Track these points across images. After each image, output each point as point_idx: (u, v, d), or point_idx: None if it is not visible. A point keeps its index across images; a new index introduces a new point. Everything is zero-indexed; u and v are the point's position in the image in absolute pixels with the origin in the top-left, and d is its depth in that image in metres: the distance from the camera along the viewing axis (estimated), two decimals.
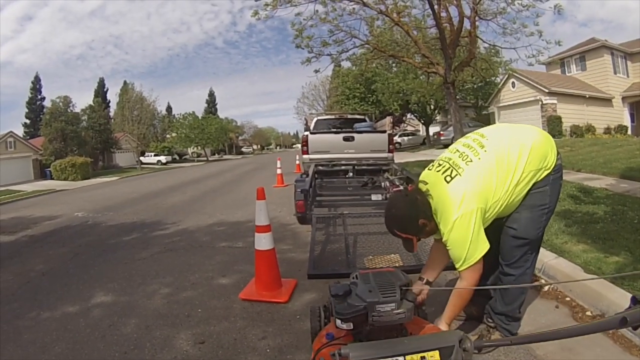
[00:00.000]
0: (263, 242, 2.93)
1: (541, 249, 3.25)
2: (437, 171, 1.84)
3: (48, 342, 2.55)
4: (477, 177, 1.75)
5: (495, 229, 2.07)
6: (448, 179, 1.77)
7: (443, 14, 7.12)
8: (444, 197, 1.74)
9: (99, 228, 6.54)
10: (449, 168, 1.81)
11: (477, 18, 7.42)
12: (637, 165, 8.39)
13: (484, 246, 1.73)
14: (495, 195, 1.78)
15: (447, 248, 1.77)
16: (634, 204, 4.82)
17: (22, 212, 10.06)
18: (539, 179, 1.85)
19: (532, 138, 1.86)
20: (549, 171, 1.86)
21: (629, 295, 2.44)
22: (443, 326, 1.75)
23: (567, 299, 2.70)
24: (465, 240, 1.69)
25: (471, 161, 1.79)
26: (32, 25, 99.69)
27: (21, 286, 3.79)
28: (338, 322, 1.02)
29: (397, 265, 3.21)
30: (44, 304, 3.22)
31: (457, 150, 1.89)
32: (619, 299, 2.41)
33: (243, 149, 64.08)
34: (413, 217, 1.74)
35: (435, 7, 6.75)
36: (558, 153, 1.93)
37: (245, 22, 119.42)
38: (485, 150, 1.81)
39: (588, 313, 2.53)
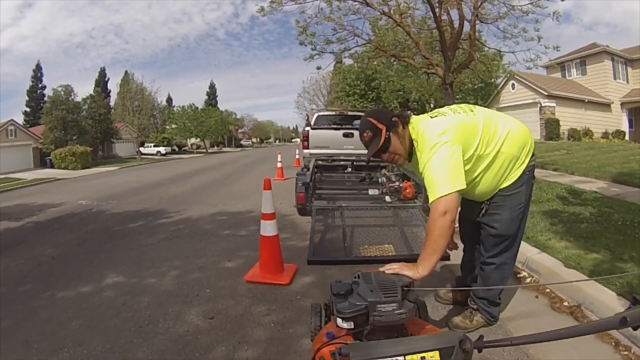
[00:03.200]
0: (268, 228, 3.18)
1: (526, 245, 3.50)
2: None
3: (64, 319, 2.71)
4: (461, 124, 1.84)
5: (474, 226, 2.28)
6: (432, 116, 1.90)
7: (444, 17, 7.29)
8: (426, 126, 1.81)
9: (103, 216, 6.70)
10: (435, 113, 1.94)
11: (477, 21, 7.59)
12: (630, 170, 8.55)
13: (461, 181, 1.67)
14: (475, 152, 1.85)
15: (423, 176, 1.76)
16: (620, 206, 4.99)
17: (25, 199, 10.13)
18: (516, 177, 2.01)
19: (517, 124, 2.03)
20: (524, 167, 2.02)
21: (604, 289, 2.65)
22: (418, 270, 1.48)
23: (547, 290, 2.90)
24: (443, 165, 1.66)
25: (459, 113, 1.91)
26: (32, 12, 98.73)
27: (32, 269, 3.94)
28: (339, 321, 1.03)
29: (389, 254, 3.45)
30: (57, 286, 3.37)
31: (447, 107, 2.04)
32: (596, 292, 2.61)
33: (242, 142, 64.18)
34: (388, 111, 1.90)
35: (437, 9, 6.93)
36: (534, 155, 2.10)
37: (247, 14, 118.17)
38: (473, 113, 1.94)
39: (565, 304, 2.73)
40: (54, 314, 2.82)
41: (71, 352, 2.25)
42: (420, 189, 4.70)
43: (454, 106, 2.02)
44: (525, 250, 3.40)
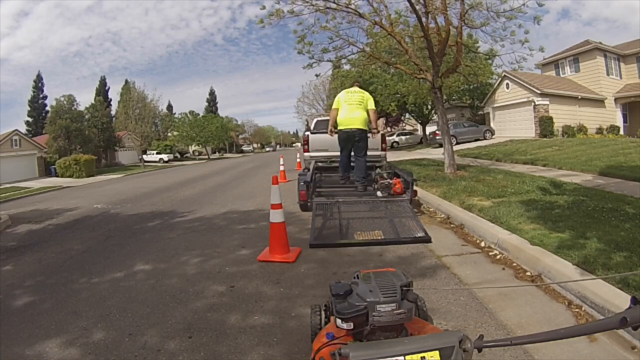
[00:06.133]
0: (276, 216, 3.76)
1: (498, 227, 4.01)
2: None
3: (105, 295, 3.19)
4: (342, 95, 5.74)
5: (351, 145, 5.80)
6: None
7: (432, 25, 7.82)
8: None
9: (121, 217, 7.21)
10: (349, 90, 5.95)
11: (465, 26, 8.09)
12: (616, 163, 8.92)
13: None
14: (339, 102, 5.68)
15: None
16: (596, 195, 5.41)
17: (38, 205, 10.53)
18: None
19: (345, 113, 5.55)
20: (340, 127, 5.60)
21: (561, 260, 3.23)
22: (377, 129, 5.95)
23: (514, 264, 3.38)
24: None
25: (349, 92, 5.76)
26: (28, 21, 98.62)
27: (66, 261, 4.39)
28: (338, 321, 1.04)
29: (378, 238, 4.03)
30: (92, 272, 3.83)
31: (356, 87, 6.01)
32: (553, 262, 3.09)
33: (243, 148, 64.89)
34: None
35: (423, 20, 7.46)
36: (350, 130, 5.49)
37: (245, 19, 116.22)
38: (350, 95, 5.67)
39: (528, 273, 3.22)
40: (95, 292, 3.27)
41: (117, 316, 2.75)
42: (408, 184, 5.25)
43: (356, 88, 5.83)
44: (497, 231, 3.91)
